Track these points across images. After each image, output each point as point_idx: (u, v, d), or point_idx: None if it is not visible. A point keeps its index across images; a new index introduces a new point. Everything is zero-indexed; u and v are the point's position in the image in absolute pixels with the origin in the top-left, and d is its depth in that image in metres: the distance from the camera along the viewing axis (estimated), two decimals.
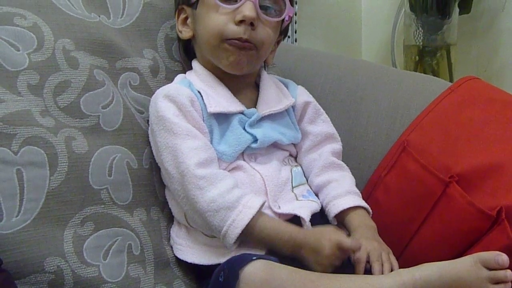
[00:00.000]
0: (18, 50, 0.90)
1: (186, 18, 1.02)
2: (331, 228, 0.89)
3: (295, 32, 1.68)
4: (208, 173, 0.89)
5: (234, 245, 0.88)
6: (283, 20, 1.00)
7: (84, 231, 0.89)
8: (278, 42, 1.07)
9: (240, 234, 0.87)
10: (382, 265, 0.87)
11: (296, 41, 1.70)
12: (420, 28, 1.64)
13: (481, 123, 1.07)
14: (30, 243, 0.84)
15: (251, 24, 0.94)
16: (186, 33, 1.02)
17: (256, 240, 0.89)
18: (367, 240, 0.90)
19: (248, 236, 0.88)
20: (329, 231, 0.87)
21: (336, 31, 1.94)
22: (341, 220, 0.98)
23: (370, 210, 1.00)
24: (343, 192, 0.99)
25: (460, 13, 1.65)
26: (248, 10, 0.93)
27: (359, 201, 0.99)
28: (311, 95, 1.09)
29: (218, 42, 0.96)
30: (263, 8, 0.96)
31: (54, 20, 0.95)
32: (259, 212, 0.89)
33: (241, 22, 0.94)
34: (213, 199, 0.87)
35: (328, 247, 0.84)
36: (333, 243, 0.84)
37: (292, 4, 1.01)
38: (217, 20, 0.95)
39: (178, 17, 1.03)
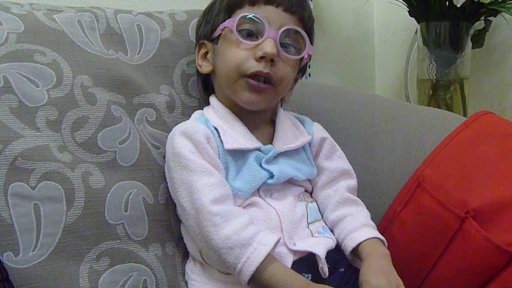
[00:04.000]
0: (38, 86, 0.92)
1: (206, 53, 1.04)
2: None
3: (309, 67, 1.69)
4: (223, 209, 0.89)
5: (249, 283, 0.88)
6: (302, 58, 1.02)
7: (100, 266, 0.89)
8: (295, 80, 1.08)
9: (255, 271, 0.86)
10: None
11: (310, 75, 1.72)
12: (434, 62, 1.64)
13: (496, 157, 1.07)
14: (46, 277, 0.85)
15: (272, 60, 0.95)
16: (205, 68, 1.04)
17: (265, 284, 0.87)
18: (374, 277, 0.89)
19: (259, 277, 0.87)
20: None
21: (349, 66, 1.95)
22: (356, 252, 0.98)
23: (386, 243, 0.99)
24: (358, 225, 0.99)
25: (473, 47, 1.66)
26: (269, 47, 0.94)
27: (375, 233, 0.98)
28: (326, 132, 1.09)
29: (237, 77, 0.97)
30: (283, 45, 0.97)
31: (73, 57, 0.97)
32: (272, 257, 0.88)
33: (261, 58, 0.95)
34: (228, 236, 0.87)
35: None
36: None
37: (312, 43, 1.02)
38: (238, 55, 0.97)
39: (198, 52, 1.05)
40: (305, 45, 1.00)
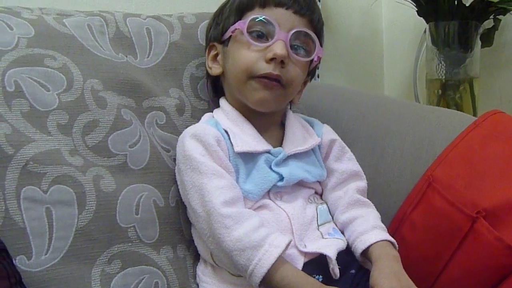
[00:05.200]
0: (48, 91, 0.92)
1: (216, 55, 1.05)
2: None
3: (317, 68, 1.69)
4: (234, 211, 0.89)
5: (260, 285, 0.88)
6: (311, 61, 1.02)
7: (112, 269, 0.90)
8: (305, 83, 1.08)
9: (266, 273, 0.86)
10: None
11: (318, 76, 1.71)
12: (443, 62, 1.64)
13: (507, 157, 1.07)
14: (59, 281, 0.85)
15: (282, 62, 0.96)
16: (215, 70, 1.04)
17: (276, 286, 0.87)
18: (386, 280, 0.88)
19: (271, 279, 0.87)
20: None
21: (358, 66, 1.95)
22: (367, 254, 0.98)
23: (397, 245, 0.99)
24: (369, 228, 0.99)
25: (482, 46, 1.65)
26: (279, 48, 0.95)
27: (386, 235, 0.98)
28: (336, 133, 1.09)
29: (246, 78, 0.97)
30: (293, 48, 0.98)
31: (83, 61, 0.97)
32: (283, 259, 0.88)
33: (271, 60, 0.95)
34: (239, 238, 0.87)
35: None
36: None
37: (321, 45, 1.02)
38: (248, 56, 0.97)
39: (208, 54, 1.06)
40: (315, 48, 1.00)
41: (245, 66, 0.97)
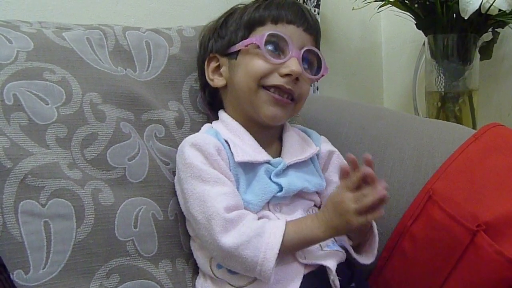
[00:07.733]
0: (47, 104, 0.92)
1: (217, 67, 1.04)
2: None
3: (317, 81, 1.69)
4: (235, 215, 0.89)
5: (273, 272, 0.87)
6: None
7: (110, 283, 0.89)
8: None
9: (278, 254, 0.86)
10: None
11: (317, 89, 1.72)
12: (442, 75, 1.64)
13: (506, 170, 1.06)
14: None
15: (296, 79, 0.97)
16: (218, 81, 1.04)
17: (291, 250, 0.90)
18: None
19: (283, 251, 0.88)
20: (332, 193, 0.91)
21: (357, 79, 1.95)
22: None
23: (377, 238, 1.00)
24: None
25: (481, 59, 1.65)
26: (294, 66, 0.96)
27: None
28: (332, 145, 1.10)
29: (256, 87, 0.98)
30: (304, 65, 0.99)
31: (82, 74, 0.97)
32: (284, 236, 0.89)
33: (286, 75, 0.97)
34: (242, 232, 0.88)
35: (340, 197, 0.87)
36: (340, 189, 0.88)
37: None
38: (262, 66, 0.97)
39: (208, 66, 1.05)
40: (322, 66, 1.02)
41: (259, 75, 0.97)
